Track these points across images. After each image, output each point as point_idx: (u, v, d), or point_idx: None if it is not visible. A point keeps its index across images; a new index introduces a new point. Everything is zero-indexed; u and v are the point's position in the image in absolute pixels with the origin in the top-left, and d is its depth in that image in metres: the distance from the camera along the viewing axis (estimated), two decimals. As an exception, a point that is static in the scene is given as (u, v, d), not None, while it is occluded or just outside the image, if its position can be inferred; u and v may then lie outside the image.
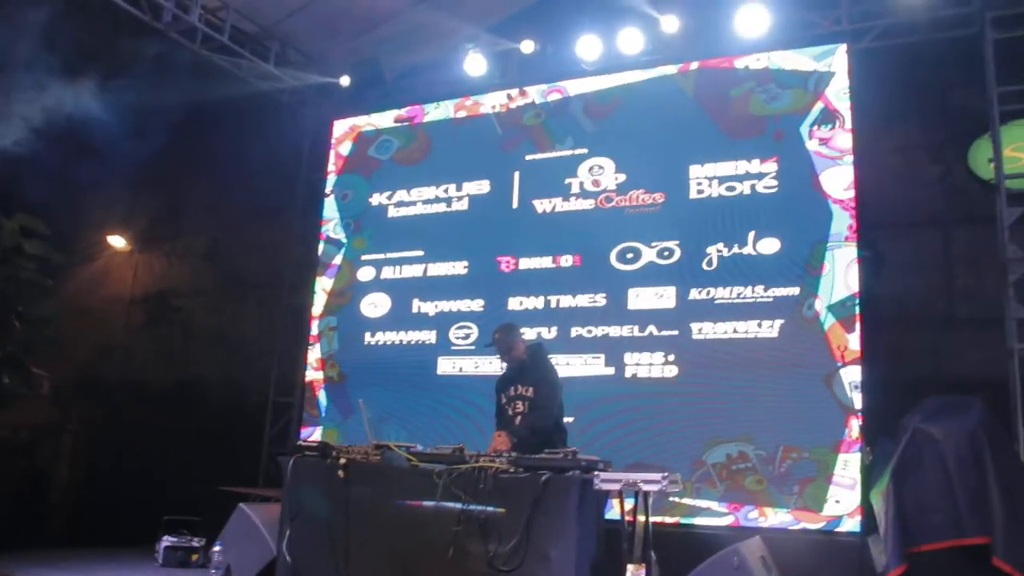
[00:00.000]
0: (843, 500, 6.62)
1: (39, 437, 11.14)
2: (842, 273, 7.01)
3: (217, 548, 6.82)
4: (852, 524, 6.53)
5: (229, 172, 11.06)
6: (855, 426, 6.62)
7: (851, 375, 6.73)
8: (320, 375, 9.13)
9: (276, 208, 10.61)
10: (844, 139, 7.27)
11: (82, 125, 8.79)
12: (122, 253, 12.49)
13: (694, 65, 8.10)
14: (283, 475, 5.80)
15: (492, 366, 7.94)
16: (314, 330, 9.31)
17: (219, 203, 11.39)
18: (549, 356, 6.22)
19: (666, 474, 4.78)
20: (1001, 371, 6.89)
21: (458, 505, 4.99)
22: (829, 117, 7.36)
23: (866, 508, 6.18)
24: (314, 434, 8.84)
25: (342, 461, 5.47)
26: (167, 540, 8.07)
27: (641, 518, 4.75)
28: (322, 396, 9.06)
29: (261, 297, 10.80)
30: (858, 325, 6.87)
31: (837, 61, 7.46)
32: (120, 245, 12.44)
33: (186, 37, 8.76)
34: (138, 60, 8.82)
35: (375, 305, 9.00)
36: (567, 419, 6.16)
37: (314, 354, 9.23)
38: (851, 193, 7.13)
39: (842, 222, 7.10)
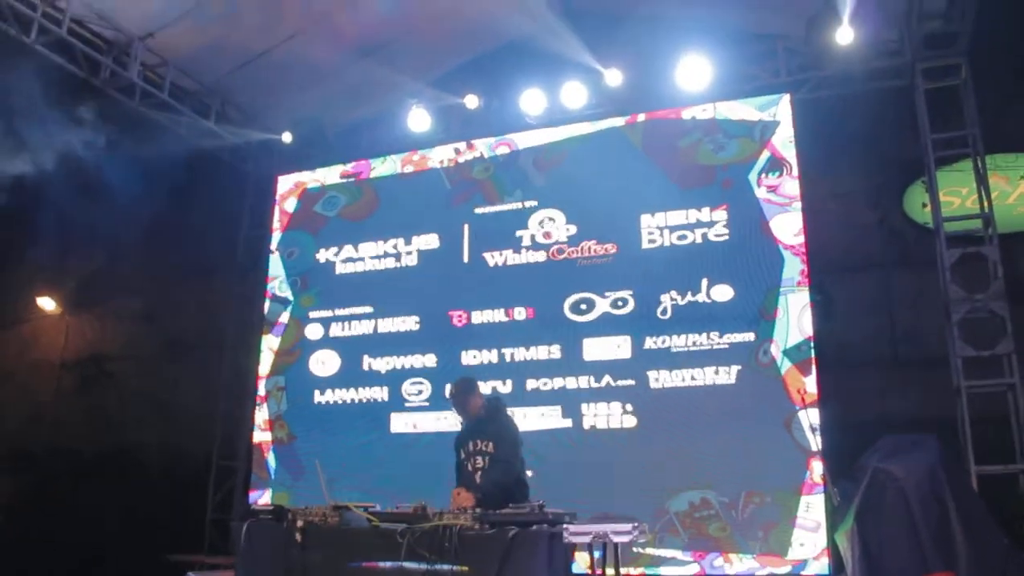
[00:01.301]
0: (807, 543, 6.63)
1: (-37, 513, 10.58)
2: (796, 318, 7.11)
3: (166, 621, 6.50)
4: (818, 567, 6.54)
5: (165, 231, 10.83)
6: (816, 468, 6.66)
7: (809, 418, 6.75)
8: (268, 436, 8.87)
9: (214, 267, 10.41)
10: (792, 186, 7.44)
11: (10, 183, 8.52)
12: (52, 316, 12.06)
13: (641, 117, 8.24)
14: (236, 540, 5.54)
15: (447, 422, 7.84)
16: (261, 390, 9.07)
17: (154, 263, 11.11)
18: (508, 410, 6.12)
19: (636, 524, 4.71)
20: (944, 409, 7.04)
21: (423, 565, 4.80)
22: (776, 165, 7.53)
23: (833, 549, 6.20)
24: (263, 497, 8.56)
25: (299, 524, 5.25)
26: (111, 615, 7.68)
27: (610, 571, 4.65)
28: (271, 458, 8.79)
29: (200, 358, 10.49)
30: (814, 368, 6.96)
31: (781, 110, 7.67)
32: (50, 308, 12.01)
33: (124, 94, 8.59)
34: (73, 117, 8.61)
35: (324, 363, 8.83)
36: (527, 473, 6.05)
37: (261, 415, 8.98)
38: (801, 239, 7.28)
39: (794, 267, 7.23)
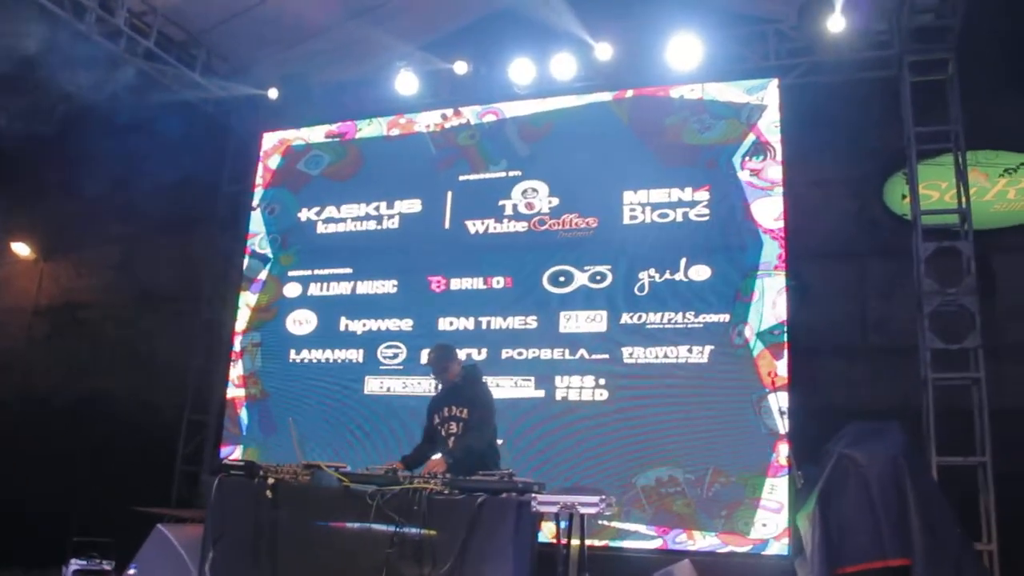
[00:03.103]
0: (770, 523, 6.76)
1: (-70, 455, 10.48)
2: (771, 301, 7.19)
3: (132, 571, 6.49)
4: (779, 547, 6.67)
5: (145, 181, 10.69)
6: (782, 451, 6.76)
7: (778, 401, 6.85)
8: (242, 392, 8.87)
9: (194, 220, 10.31)
10: (775, 171, 7.49)
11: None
12: (26, 261, 11.92)
13: (629, 93, 8.23)
14: (207, 494, 5.57)
15: (421, 386, 7.91)
16: (236, 346, 9.06)
17: (133, 212, 10.95)
18: (484, 378, 6.17)
19: (603, 497, 4.79)
20: (910, 399, 7.17)
21: (391, 527, 4.86)
22: (760, 149, 7.57)
23: (794, 531, 6.31)
24: (234, 452, 8.58)
25: (270, 481, 5.29)
26: (76, 564, 7.65)
27: (575, 541, 4.73)
28: (243, 414, 8.80)
29: (176, 311, 10.42)
30: (786, 352, 7.04)
31: (769, 95, 7.70)
32: (24, 253, 11.88)
33: (110, 40, 8.43)
34: (55, 61, 8.47)
35: (301, 322, 8.82)
36: (497, 441, 6.11)
37: (236, 371, 8.97)
38: (781, 223, 7.35)
39: (772, 251, 7.30)
